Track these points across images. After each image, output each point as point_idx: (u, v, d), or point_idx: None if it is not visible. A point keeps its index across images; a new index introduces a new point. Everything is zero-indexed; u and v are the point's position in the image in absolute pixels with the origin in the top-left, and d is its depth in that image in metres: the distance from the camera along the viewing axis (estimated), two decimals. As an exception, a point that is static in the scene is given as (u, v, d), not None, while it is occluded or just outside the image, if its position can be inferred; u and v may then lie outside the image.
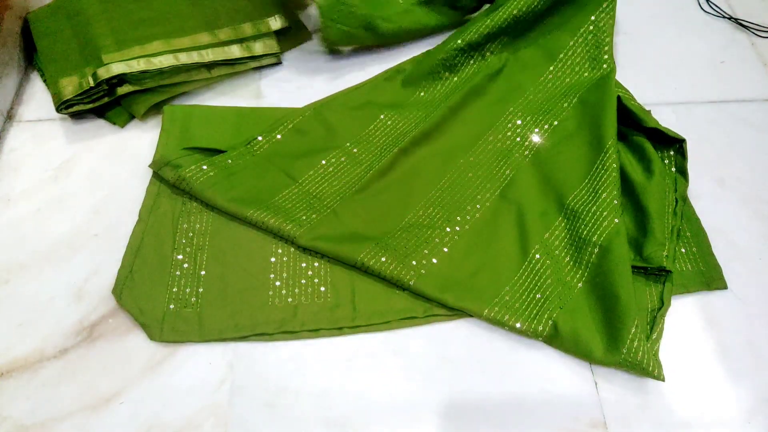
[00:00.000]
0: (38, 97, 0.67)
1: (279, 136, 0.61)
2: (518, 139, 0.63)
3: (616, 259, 0.51)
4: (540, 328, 0.50)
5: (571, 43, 0.66)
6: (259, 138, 0.61)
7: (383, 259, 0.53)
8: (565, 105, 0.64)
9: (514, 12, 0.66)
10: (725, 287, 0.55)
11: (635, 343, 0.47)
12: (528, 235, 0.55)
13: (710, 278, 0.55)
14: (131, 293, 0.51)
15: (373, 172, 0.58)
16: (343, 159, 0.60)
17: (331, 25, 0.68)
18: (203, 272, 0.53)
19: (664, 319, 0.51)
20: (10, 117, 0.65)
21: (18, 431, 0.45)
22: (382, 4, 0.72)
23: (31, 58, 0.70)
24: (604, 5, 0.66)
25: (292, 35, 0.74)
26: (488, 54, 0.69)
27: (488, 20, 0.67)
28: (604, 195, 0.56)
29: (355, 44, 0.74)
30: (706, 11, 0.83)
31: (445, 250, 0.55)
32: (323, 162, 0.57)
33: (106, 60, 0.62)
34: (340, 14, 0.68)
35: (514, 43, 0.69)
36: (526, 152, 0.62)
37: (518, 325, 0.50)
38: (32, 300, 0.52)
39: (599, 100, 0.62)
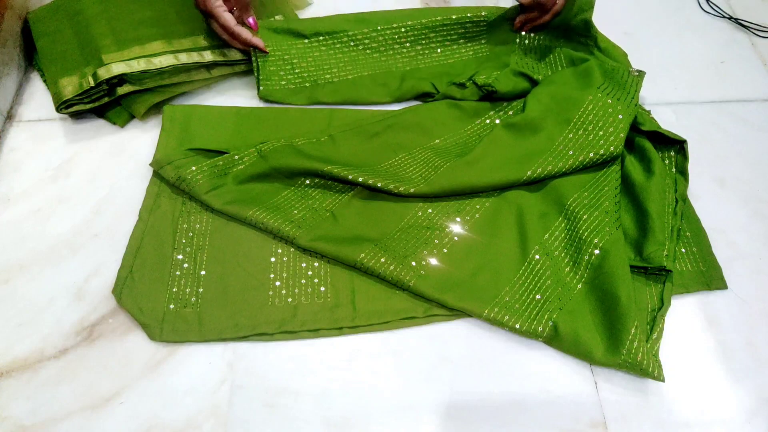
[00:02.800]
0: (38, 97, 0.67)
1: (284, 141, 0.61)
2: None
3: (615, 261, 0.51)
4: (540, 328, 0.50)
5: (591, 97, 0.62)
6: (265, 143, 0.60)
7: (382, 260, 0.53)
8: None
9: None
10: (725, 287, 0.55)
11: (635, 344, 0.47)
12: (528, 235, 0.55)
13: (710, 278, 0.55)
14: (131, 293, 0.51)
15: (372, 174, 0.58)
16: (344, 170, 0.58)
17: (269, 83, 0.67)
18: (203, 272, 0.53)
19: (664, 319, 0.51)
20: (10, 117, 0.65)
21: (18, 431, 0.45)
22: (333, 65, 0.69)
23: (31, 58, 0.70)
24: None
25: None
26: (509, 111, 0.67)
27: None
28: (607, 203, 0.56)
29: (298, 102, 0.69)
30: (706, 11, 0.83)
31: (445, 251, 0.55)
32: (326, 168, 0.57)
33: (106, 60, 0.62)
34: (282, 70, 0.67)
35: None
36: None
37: (518, 325, 0.50)
38: (32, 300, 0.52)
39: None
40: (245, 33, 0.64)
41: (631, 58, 0.70)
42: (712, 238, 0.58)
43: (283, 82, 0.68)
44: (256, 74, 0.67)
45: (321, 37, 0.69)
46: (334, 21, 0.70)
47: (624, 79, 0.63)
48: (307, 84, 0.69)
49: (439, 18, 0.70)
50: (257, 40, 0.65)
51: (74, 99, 0.61)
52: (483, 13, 0.71)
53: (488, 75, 0.67)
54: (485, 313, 0.50)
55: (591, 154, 0.58)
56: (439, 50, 0.72)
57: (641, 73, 0.63)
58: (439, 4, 0.82)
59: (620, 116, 0.59)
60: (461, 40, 0.72)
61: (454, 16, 0.71)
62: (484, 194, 0.59)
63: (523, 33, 0.73)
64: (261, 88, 0.67)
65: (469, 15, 0.71)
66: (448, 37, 0.72)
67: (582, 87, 0.63)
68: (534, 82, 0.66)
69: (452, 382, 0.49)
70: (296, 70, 0.68)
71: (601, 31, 0.70)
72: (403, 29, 0.70)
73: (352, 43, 0.70)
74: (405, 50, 0.71)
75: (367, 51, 0.70)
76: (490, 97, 0.67)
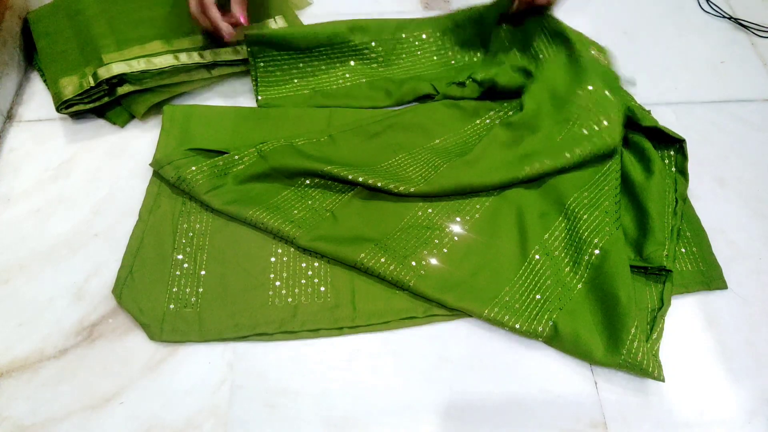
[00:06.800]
0: (38, 97, 0.67)
1: (284, 141, 0.61)
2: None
3: (615, 261, 0.51)
4: (540, 328, 0.50)
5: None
6: (265, 143, 0.60)
7: (382, 260, 0.53)
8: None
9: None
10: (725, 287, 0.55)
11: (635, 344, 0.47)
12: (528, 235, 0.55)
13: (710, 278, 0.55)
14: (131, 293, 0.51)
15: (372, 174, 0.58)
16: (344, 170, 0.58)
17: (267, 91, 0.67)
18: (203, 272, 0.53)
19: (664, 319, 0.51)
20: (10, 117, 0.65)
21: (18, 431, 0.45)
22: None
23: (31, 58, 0.70)
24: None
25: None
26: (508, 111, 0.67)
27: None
28: (606, 203, 0.56)
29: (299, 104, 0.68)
30: (706, 11, 0.83)
31: (445, 250, 0.55)
32: (326, 168, 0.57)
33: (106, 60, 0.62)
34: (275, 67, 0.67)
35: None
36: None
37: (518, 325, 0.50)
38: (32, 300, 0.52)
39: None
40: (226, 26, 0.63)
41: (631, 58, 0.70)
42: (712, 238, 0.58)
43: (282, 90, 0.68)
44: (254, 83, 0.67)
45: (322, 48, 0.69)
46: (334, 29, 0.69)
47: (603, 69, 0.64)
48: (305, 91, 0.69)
49: (433, 25, 0.73)
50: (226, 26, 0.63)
51: (74, 99, 0.61)
52: (475, 11, 0.71)
53: (486, 72, 0.67)
54: (485, 313, 0.50)
55: (589, 148, 0.58)
56: (434, 58, 0.73)
57: (603, 51, 0.65)
58: (440, 3, 0.82)
59: (616, 108, 0.60)
60: (456, 47, 0.73)
61: (448, 21, 0.73)
62: (484, 194, 0.59)
63: (505, 27, 0.72)
64: (260, 97, 0.67)
65: (462, 15, 0.72)
66: (445, 44, 0.73)
67: (576, 82, 0.63)
68: (531, 75, 0.67)
69: (452, 382, 0.49)
70: (295, 80, 0.69)
71: (600, 30, 0.70)
72: (402, 35, 0.72)
73: (352, 53, 0.71)
74: (402, 61, 0.72)
75: (366, 61, 0.71)
76: (490, 93, 0.67)
